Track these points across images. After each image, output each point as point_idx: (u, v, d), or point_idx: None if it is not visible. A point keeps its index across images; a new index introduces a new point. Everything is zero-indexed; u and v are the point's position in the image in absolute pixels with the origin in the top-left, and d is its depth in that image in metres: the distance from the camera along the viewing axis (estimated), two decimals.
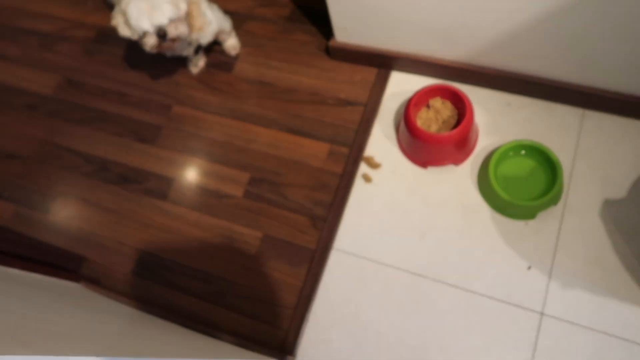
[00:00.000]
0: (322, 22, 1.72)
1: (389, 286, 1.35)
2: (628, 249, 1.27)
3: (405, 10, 1.32)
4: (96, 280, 1.51)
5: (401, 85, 1.58)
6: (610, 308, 1.23)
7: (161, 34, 1.38)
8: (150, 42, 1.39)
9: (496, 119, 1.48)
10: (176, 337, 1.24)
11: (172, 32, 1.39)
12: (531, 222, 1.34)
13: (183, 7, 1.41)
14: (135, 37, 1.42)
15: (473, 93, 1.47)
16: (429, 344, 1.28)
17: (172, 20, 1.39)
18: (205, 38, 1.59)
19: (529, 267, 1.30)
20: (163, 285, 1.48)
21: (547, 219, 1.33)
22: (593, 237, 1.30)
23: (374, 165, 1.48)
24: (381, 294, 1.35)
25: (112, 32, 1.87)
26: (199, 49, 1.59)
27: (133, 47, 1.84)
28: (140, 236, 1.55)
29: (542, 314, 1.25)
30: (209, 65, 1.75)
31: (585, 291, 1.25)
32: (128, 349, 0.92)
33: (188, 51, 1.60)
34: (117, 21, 1.42)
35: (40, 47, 1.93)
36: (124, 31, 1.42)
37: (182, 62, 1.74)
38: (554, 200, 1.32)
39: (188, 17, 1.46)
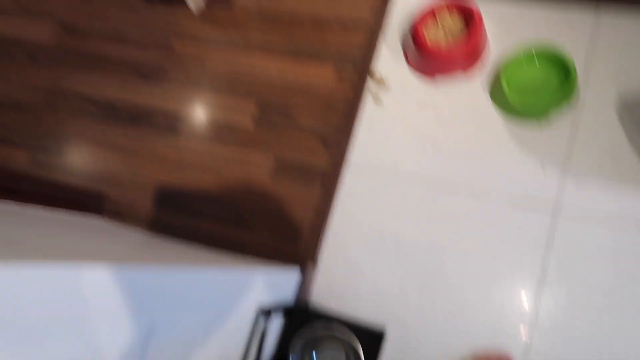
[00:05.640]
0: None
1: (404, 195, 1.37)
2: None
3: None
4: (119, 214, 1.54)
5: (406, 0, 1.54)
6: (628, 200, 1.23)
7: None
8: None
9: (506, 26, 1.44)
10: (201, 254, 1.26)
11: None
12: (546, 129, 1.32)
13: None
14: None
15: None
16: (445, 246, 1.30)
17: None
18: None
19: (543, 167, 1.30)
20: (184, 213, 1.51)
21: (562, 123, 1.32)
22: (608, 132, 1.29)
23: (381, 81, 1.46)
24: (396, 203, 1.37)
25: None
26: None
27: None
28: (156, 171, 1.57)
29: (558, 207, 1.26)
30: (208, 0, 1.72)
31: (602, 185, 1.25)
32: (147, 258, 0.93)
33: None
34: None
35: None
36: None
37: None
38: (567, 95, 1.29)
39: None
